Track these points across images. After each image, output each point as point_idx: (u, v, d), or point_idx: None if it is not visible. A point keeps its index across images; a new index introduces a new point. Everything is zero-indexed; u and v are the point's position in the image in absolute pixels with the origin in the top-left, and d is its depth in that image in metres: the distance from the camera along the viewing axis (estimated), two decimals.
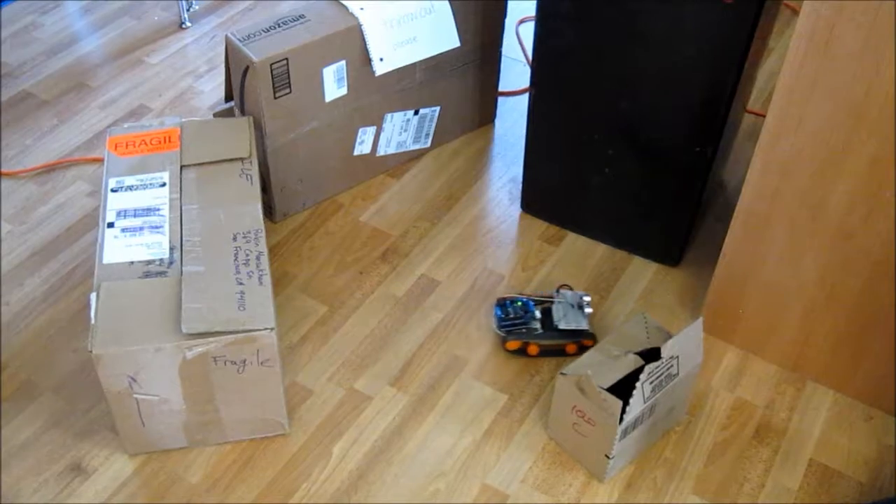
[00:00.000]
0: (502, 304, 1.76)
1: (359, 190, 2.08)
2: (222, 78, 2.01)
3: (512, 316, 1.74)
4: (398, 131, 2.06)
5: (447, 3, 1.93)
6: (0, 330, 1.76)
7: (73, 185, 2.07)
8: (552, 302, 1.75)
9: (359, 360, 1.73)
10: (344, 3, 1.85)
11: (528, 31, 2.50)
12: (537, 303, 1.75)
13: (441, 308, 1.83)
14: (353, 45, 1.84)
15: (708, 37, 1.54)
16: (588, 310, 1.73)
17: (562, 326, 1.71)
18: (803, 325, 1.64)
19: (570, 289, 1.78)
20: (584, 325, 1.71)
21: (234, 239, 1.56)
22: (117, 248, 1.53)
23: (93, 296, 1.45)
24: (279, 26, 1.80)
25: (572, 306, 1.74)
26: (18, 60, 2.41)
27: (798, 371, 1.72)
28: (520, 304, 1.75)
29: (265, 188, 1.91)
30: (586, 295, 1.75)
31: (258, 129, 1.82)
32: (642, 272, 1.91)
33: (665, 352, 1.42)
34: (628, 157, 1.77)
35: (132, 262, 1.51)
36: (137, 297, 1.45)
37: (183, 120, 1.78)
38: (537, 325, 1.73)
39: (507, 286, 1.87)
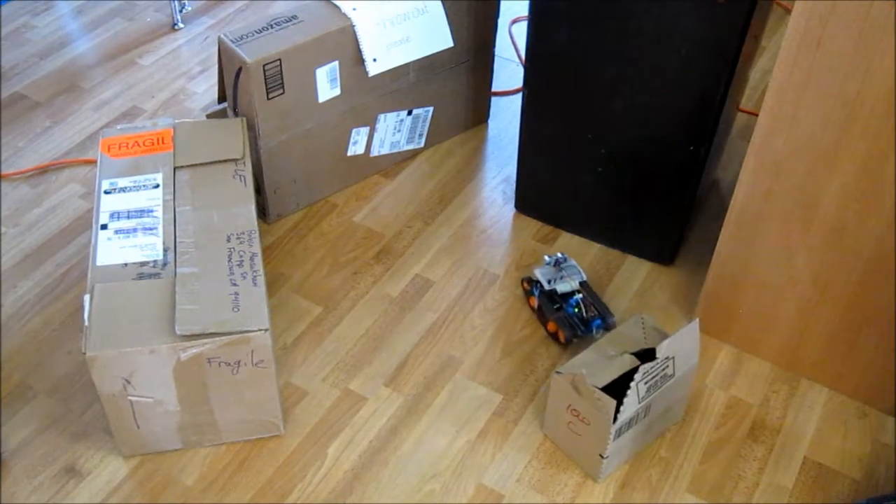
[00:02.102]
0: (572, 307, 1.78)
1: (352, 190, 2.08)
2: (215, 79, 2.01)
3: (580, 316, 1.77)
4: (391, 132, 2.06)
5: (440, 3, 1.93)
6: (0, 328, 1.77)
7: (67, 187, 2.07)
8: (552, 289, 1.78)
9: (353, 360, 1.73)
10: (337, 3, 1.85)
11: (521, 31, 2.50)
12: (562, 297, 1.78)
13: (435, 308, 1.83)
14: (346, 45, 1.84)
15: (700, 36, 1.54)
16: (571, 262, 1.81)
17: (560, 289, 1.77)
18: (797, 323, 1.64)
19: (533, 279, 1.81)
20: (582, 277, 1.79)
21: (228, 240, 1.55)
22: (111, 250, 1.53)
23: (86, 298, 1.45)
24: (272, 27, 1.80)
25: (559, 275, 1.78)
26: (11, 62, 2.40)
27: (792, 369, 1.72)
28: (576, 309, 1.76)
29: (259, 189, 1.91)
30: (558, 261, 1.81)
31: (251, 129, 1.81)
32: (636, 271, 1.91)
33: (660, 352, 1.42)
34: (621, 156, 1.78)
35: (126, 264, 1.51)
36: (131, 299, 1.45)
37: (176, 121, 1.78)
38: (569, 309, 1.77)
39: (500, 286, 1.87)
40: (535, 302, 1.80)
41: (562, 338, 1.74)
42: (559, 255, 1.82)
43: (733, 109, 1.89)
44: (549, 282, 1.78)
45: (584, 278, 1.79)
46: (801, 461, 1.60)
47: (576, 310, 1.75)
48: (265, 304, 1.45)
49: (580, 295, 1.77)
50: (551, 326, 1.76)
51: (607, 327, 1.75)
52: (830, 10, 1.27)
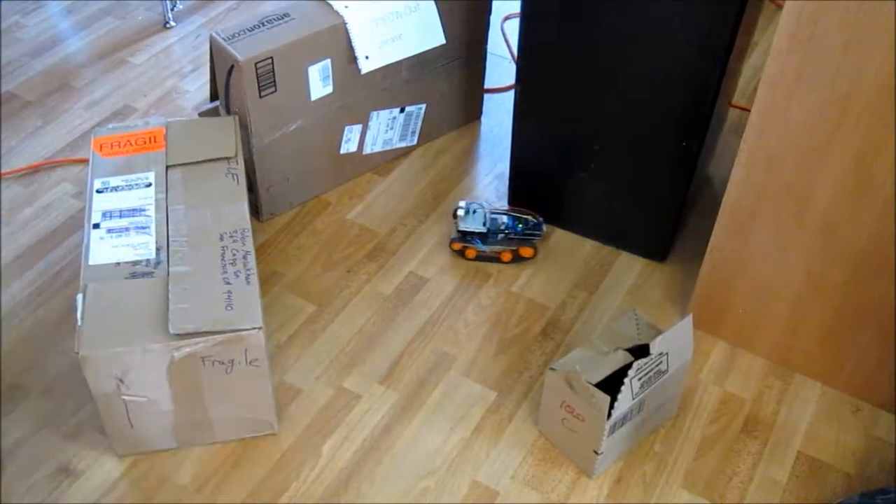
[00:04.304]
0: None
1: (346, 188, 2.07)
2: (207, 77, 2.01)
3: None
4: (384, 129, 2.06)
5: (432, 0, 1.92)
6: (0, 323, 1.77)
7: (59, 187, 2.06)
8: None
9: (347, 358, 1.73)
10: (329, 1, 1.85)
11: (513, 28, 2.50)
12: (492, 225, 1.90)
13: (429, 306, 1.83)
14: (338, 43, 1.84)
15: (692, 32, 1.54)
16: (472, 202, 1.91)
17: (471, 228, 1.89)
18: (790, 318, 1.65)
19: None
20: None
21: (221, 238, 1.55)
22: (103, 249, 1.53)
23: (79, 297, 1.45)
24: (264, 25, 1.79)
25: (482, 214, 1.89)
26: (2, 61, 2.39)
27: (785, 364, 1.72)
28: (502, 225, 1.89)
29: (251, 187, 1.91)
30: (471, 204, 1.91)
31: (244, 128, 1.81)
32: (630, 268, 1.91)
33: (654, 348, 1.42)
34: (614, 152, 1.78)
35: (118, 263, 1.51)
36: (124, 299, 1.45)
37: (168, 120, 1.77)
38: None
39: (494, 283, 1.87)
40: (473, 253, 1.89)
41: (530, 254, 1.89)
42: (463, 203, 1.90)
43: (725, 105, 1.89)
44: (483, 224, 1.87)
45: (491, 203, 1.94)
46: (795, 456, 1.60)
47: (520, 225, 1.87)
48: (258, 303, 1.45)
49: (505, 213, 1.89)
50: (506, 256, 1.88)
51: (543, 221, 1.91)
52: (822, 5, 1.27)
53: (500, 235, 1.87)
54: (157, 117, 2.01)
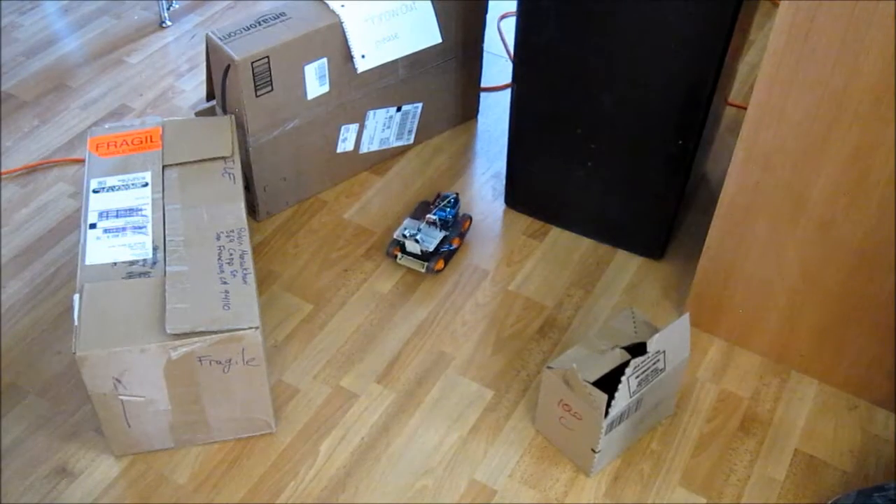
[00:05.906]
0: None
1: (342, 187, 2.07)
2: (203, 77, 2.01)
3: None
4: (381, 128, 2.06)
5: None
6: (0, 320, 1.77)
7: (55, 187, 2.06)
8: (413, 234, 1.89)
9: (344, 357, 1.73)
10: (325, 0, 1.85)
11: (509, 27, 2.50)
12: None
13: (426, 305, 1.83)
14: (334, 42, 1.84)
15: (689, 30, 1.54)
16: (409, 223, 1.91)
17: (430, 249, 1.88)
18: (787, 315, 1.65)
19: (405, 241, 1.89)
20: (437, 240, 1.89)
21: (218, 238, 1.55)
22: (100, 249, 1.53)
23: (76, 297, 1.44)
24: (260, 24, 1.79)
25: (418, 231, 1.89)
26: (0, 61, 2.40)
27: (782, 362, 1.72)
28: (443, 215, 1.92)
29: (248, 187, 1.91)
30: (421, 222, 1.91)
31: (240, 127, 1.81)
32: (626, 266, 1.91)
33: (651, 346, 1.42)
34: (611, 150, 1.78)
35: (115, 263, 1.51)
36: (121, 298, 1.44)
37: (164, 119, 1.77)
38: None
39: (491, 281, 1.87)
40: (442, 264, 1.88)
41: (468, 224, 1.97)
42: (398, 236, 1.88)
43: (722, 103, 1.89)
44: (440, 230, 1.89)
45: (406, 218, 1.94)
46: (792, 453, 1.60)
47: (448, 208, 1.92)
48: (255, 302, 1.45)
49: (432, 212, 1.91)
50: (456, 241, 1.91)
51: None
52: (818, 3, 1.27)
53: (446, 231, 1.90)
54: (154, 117, 2.01)
